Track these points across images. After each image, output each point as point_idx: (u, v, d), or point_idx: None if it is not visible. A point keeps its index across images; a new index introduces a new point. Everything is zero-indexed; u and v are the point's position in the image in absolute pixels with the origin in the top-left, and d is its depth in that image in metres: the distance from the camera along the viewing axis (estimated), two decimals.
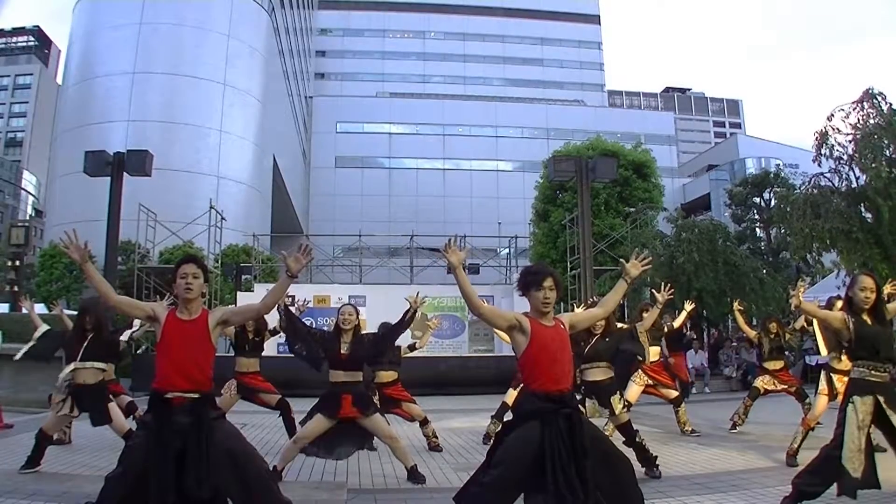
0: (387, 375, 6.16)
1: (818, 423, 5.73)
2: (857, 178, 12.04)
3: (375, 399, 5.51)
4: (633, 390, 6.95)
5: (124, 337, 6.16)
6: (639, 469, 4.86)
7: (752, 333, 7.56)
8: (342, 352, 4.64)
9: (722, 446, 6.42)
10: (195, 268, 3.17)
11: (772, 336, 7.18)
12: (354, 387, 4.64)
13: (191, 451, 2.87)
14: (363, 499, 4.39)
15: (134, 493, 2.83)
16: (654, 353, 7.13)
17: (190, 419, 2.93)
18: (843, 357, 5.35)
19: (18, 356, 6.18)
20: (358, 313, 4.91)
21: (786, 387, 7.11)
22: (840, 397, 5.15)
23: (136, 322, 6.09)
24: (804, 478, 3.82)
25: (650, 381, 7.04)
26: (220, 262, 16.66)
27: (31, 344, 6.07)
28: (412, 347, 6.58)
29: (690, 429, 7.23)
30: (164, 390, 2.99)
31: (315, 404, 4.68)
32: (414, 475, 4.71)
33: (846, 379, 4.85)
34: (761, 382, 7.23)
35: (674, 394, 7.23)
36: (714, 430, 7.58)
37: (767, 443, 6.51)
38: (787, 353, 7.95)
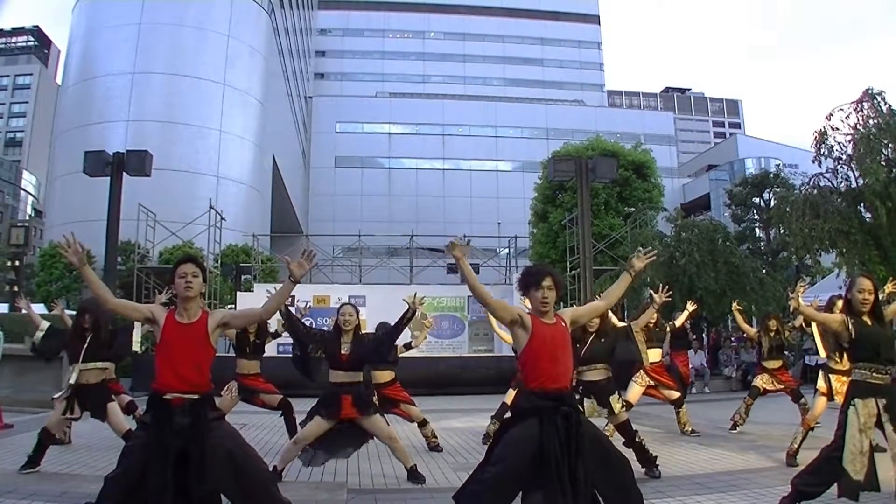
0: (384, 375, 6.15)
1: (817, 423, 5.73)
2: (857, 178, 12.01)
3: (374, 399, 5.50)
4: (634, 391, 6.95)
5: (136, 338, 6.11)
6: (638, 469, 4.86)
7: (751, 332, 7.57)
8: (342, 352, 4.64)
9: (722, 446, 6.42)
10: (194, 267, 3.17)
11: (771, 334, 7.18)
12: (354, 387, 4.64)
13: (190, 452, 2.88)
14: (363, 499, 4.39)
15: (133, 494, 2.83)
16: (655, 354, 7.13)
17: (189, 420, 2.94)
18: (842, 358, 5.36)
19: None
20: (358, 313, 4.89)
21: (783, 386, 7.11)
22: (838, 397, 5.17)
23: (136, 326, 6.08)
24: (804, 478, 3.82)
25: (651, 382, 7.04)
26: (219, 262, 16.66)
27: (34, 342, 6.07)
28: (408, 346, 6.56)
29: (691, 429, 7.24)
30: (163, 392, 3.00)
31: (315, 405, 4.68)
32: (414, 475, 4.71)
33: (845, 379, 4.88)
34: (761, 381, 7.24)
35: (675, 395, 7.23)
36: (714, 430, 7.58)
37: (767, 443, 6.51)
38: (786, 352, 7.94)
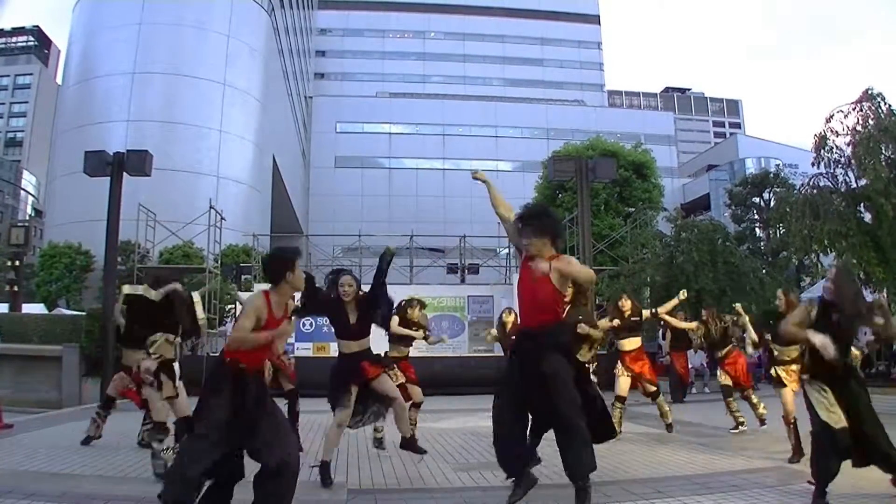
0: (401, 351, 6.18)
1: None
2: (857, 179, 11.99)
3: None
4: (622, 382, 6.98)
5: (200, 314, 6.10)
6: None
7: (693, 326, 7.92)
8: (352, 322, 4.67)
9: (722, 446, 6.42)
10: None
11: (711, 327, 7.41)
12: (367, 353, 4.75)
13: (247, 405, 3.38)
14: (363, 499, 4.39)
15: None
16: (632, 342, 7.11)
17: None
18: (787, 348, 5.63)
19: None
20: (358, 283, 4.82)
21: (731, 383, 7.28)
22: (793, 385, 5.65)
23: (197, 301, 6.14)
24: (815, 468, 3.94)
25: (632, 374, 7.04)
26: (219, 262, 16.66)
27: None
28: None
29: (670, 421, 7.19)
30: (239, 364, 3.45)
31: (334, 384, 4.68)
32: (409, 445, 4.84)
33: (794, 368, 5.46)
34: (721, 377, 7.47)
35: (652, 388, 7.17)
36: (714, 430, 7.58)
37: (767, 443, 6.51)
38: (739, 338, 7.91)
